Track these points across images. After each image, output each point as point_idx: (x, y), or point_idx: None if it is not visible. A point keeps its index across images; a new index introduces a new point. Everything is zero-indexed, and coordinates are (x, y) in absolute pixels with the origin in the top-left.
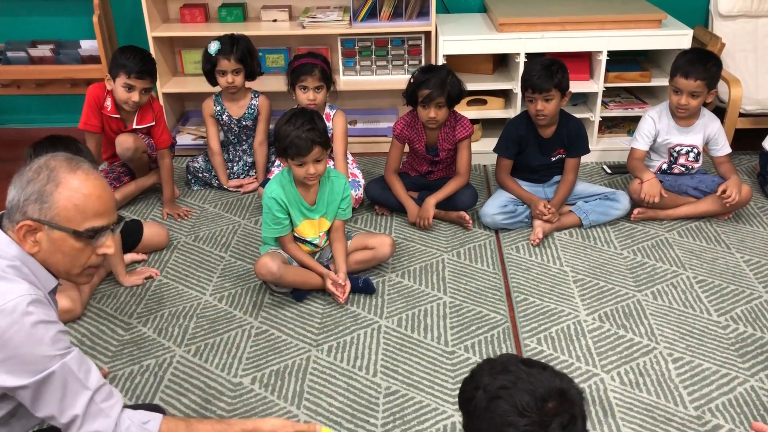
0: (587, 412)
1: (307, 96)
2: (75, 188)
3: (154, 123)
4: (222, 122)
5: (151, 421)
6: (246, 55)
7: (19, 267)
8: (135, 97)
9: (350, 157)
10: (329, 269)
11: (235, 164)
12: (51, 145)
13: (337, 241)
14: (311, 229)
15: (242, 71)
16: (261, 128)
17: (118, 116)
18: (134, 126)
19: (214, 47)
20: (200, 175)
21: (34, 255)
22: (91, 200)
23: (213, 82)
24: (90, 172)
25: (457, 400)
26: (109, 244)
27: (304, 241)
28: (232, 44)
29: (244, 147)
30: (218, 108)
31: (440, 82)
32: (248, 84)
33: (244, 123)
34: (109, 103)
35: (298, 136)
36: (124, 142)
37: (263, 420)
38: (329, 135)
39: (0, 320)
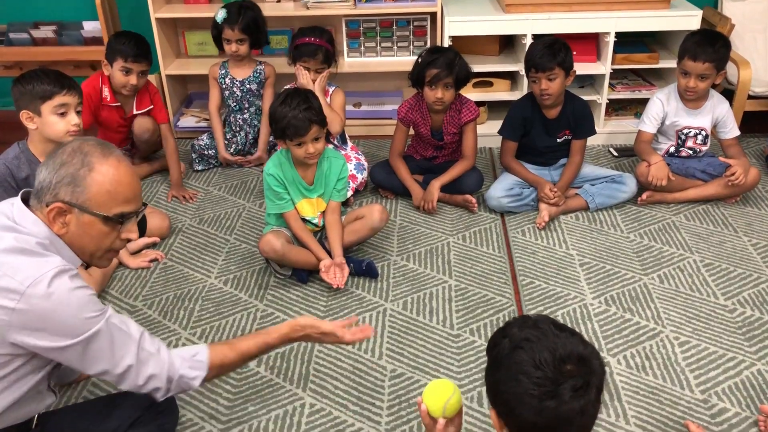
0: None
1: (309, 75)
2: (107, 174)
3: (152, 106)
4: (225, 86)
5: (199, 353)
6: (251, 25)
7: (47, 246)
8: (133, 80)
9: (349, 144)
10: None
11: (236, 134)
12: (44, 74)
13: (332, 225)
14: (309, 209)
15: (247, 41)
16: (267, 95)
17: (117, 104)
18: (134, 111)
19: (220, 15)
20: (206, 152)
21: (61, 236)
22: (121, 186)
23: (221, 47)
24: (121, 159)
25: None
26: (133, 230)
27: (303, 220)
28: (239, 13)
29: (245, 116)
30: (222, 72)
31: (448, 62)
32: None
33: (248, 86)
34: (107, 93)
35: (295, 117)
36: (144, 124)
37: (293, 321)
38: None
39: (39, 290)
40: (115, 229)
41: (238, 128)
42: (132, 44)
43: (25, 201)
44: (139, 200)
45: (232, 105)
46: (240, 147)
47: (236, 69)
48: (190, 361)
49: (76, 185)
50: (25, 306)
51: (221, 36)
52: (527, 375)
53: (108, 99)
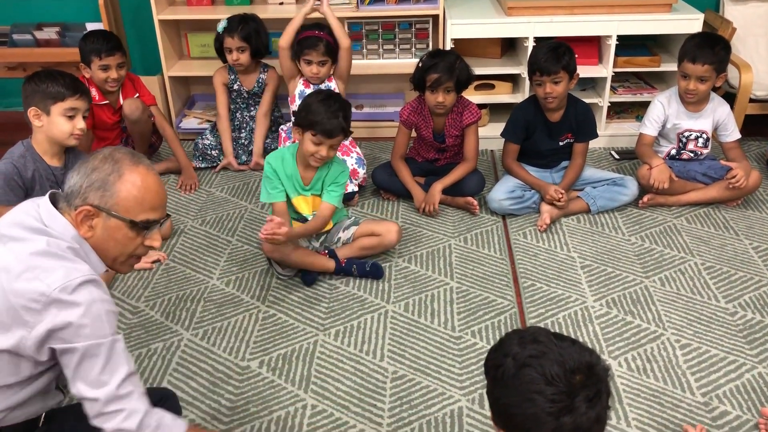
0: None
1: (311, 69)
2: (136, 181)
3: (138, 95)
4: (233, 90)
5: (179, 420)
6: (252, 34)
7: (77, 250)
8: (113, 74)
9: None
10: (334, 254)
11: (242, 129)
12: (60, 76)
13: (313, 220)
14: (305, 206)
15: (247, 49)
16: (266, 98)
17: (106, 102)
18: (122, 102)
19: (221, 25)
20: (209, 152)
21: (86, 240)
22: (149, 194)
23: (224, 58)
24: (150, 168)
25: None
26: (156, 238)
27: (301, 217)
28: (239, 23)
29: (252, 113)
30: (232, 77)
31: (449, 67)
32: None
33: (254, 92)
34: (95, 92)
35: (330, 120)
36: (133, 103)
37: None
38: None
39: (64, 295)
40: (140, 234)
41: (245, 124)
42: (101, 40)
43: (53, 204)
44: (164, 209)
45: (240, 103)
46: (244, 142)
47: (243, 77)
48: (172, 418)
49: (105, 190)
50: (50, 309)
51: (223, 47)
52: (541, 393)
53: (97, 98)
